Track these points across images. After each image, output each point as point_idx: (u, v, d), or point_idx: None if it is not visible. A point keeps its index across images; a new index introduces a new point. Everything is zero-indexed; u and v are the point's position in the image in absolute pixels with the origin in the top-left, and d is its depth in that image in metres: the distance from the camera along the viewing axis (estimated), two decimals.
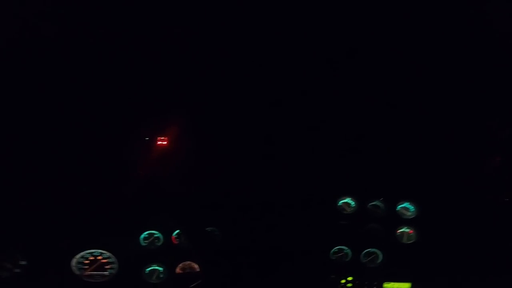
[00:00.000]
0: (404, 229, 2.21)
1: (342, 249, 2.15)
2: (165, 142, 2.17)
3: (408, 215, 2.23)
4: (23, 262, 1.79)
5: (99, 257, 1.89)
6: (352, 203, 2.20)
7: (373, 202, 2.21)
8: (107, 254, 1.90)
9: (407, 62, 2.00)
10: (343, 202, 2.19)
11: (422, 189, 2.22)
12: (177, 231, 2.00)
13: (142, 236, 1.97)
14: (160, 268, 1.96)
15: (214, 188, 2.11)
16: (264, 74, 2.10)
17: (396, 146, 2.25)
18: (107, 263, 1.89)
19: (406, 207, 2.24)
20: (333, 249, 2.14)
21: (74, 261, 1.86)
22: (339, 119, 2.22)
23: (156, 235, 1.99)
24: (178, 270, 1.98)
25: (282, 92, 2.17)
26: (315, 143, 2.22)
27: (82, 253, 1.87)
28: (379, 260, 2.17)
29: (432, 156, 2.21)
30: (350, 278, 2.12)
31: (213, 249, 1.98)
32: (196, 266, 1.97)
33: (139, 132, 2.18)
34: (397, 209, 2.23)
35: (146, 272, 1.95)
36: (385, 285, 2.14)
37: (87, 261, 1.88)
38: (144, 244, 1.96)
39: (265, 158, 2.17)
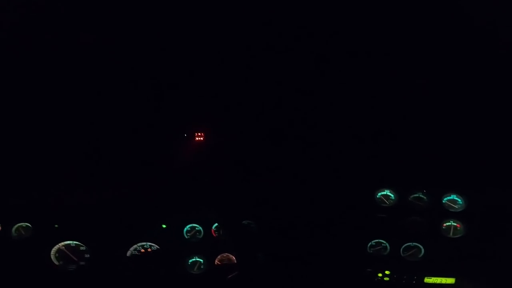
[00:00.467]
0: (451, 223, 2.10)
1: (381, 243, 2.12)
2: (202, 138, 2.26)
3: (456, 208, 2.10)
4: (87, 255, 2.07)
5: (149, 249, 2.09)
6: (392, 195, 2.12)
7: (415, 194, 2.12)
8: (156, 246, 2.09)
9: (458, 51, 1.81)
10: (382, 194, 2.13)
11: (471, 180, 2.06)
12: (216, 224, 2.14)
13: (185, 229, 2.13)
14: (201, 260, 2.12)
15: (250, 181, 2.17)
16: (300, 69, 2.05)
17: (441, 132, 2.08)
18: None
19: (454, 199, 2.11)
20: (370, 243, 2.12)
21: (128, 253, 2.08)
22: (377, 105, 2.10)
23: (197, 228, 2.13)
24: (216, 261, 2.12)
25: (317, 83, 2.10)
26: (351, 130, 2.13)
27: (135, 246, 2.08)
28: (421, 255, 2.11)
29: (484, 142, 2.02)
30: (387, 272, 2.11)
31: (249, 241, 2.08)
32: (233, 258, 2.10)
33: (179, 129, 2.29)
34: (443, 202, 2.11)
35: (188, 263, 2.11)
36: (427, 279, 2.09)
37: (139, 253, 2.08)
38: (187, 237, 2.12)
39: (302, 149, 2.15)
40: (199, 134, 2.26)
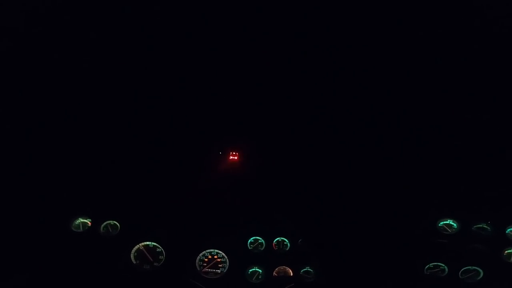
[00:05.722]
0: None
1: (439, 265, 2.16)
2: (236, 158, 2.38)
3: None
4: (162, 257, 2.29)
5: (215, 256, 2.29)
6: (455, 225, 2.13)
7: (479, 224, 2.11)
8: (222, 254, 2.28)
9: None
10: (444, 223, 2.14)
11: None
12: (277, 238, 2.29)
13: (249, 241, 2.29)
14: (260, 270, 2.26)
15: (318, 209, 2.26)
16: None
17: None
18: (221, 262, 2.28)
19: None
20: (428, 265, 2.17)
21: (197, 258, 2.29)
22: (447, 136, 2.04)
23: (260, 241, 2.29)
24: (274, 273, 2.25)
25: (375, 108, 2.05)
26: (420, 161, 2.11)
27: (204, 252, 2.29)
28: (479, 277, 2.14)
29: None
30: None
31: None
32: (289, 270, 2.25)
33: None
34: (506, 232, 2.10)
35: (248, 272, 2.26)
36: None
37: (206, 259, 2.29)
38: (250, 248, 2.29)
39: (364, 176, 2.18)
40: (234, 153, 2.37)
